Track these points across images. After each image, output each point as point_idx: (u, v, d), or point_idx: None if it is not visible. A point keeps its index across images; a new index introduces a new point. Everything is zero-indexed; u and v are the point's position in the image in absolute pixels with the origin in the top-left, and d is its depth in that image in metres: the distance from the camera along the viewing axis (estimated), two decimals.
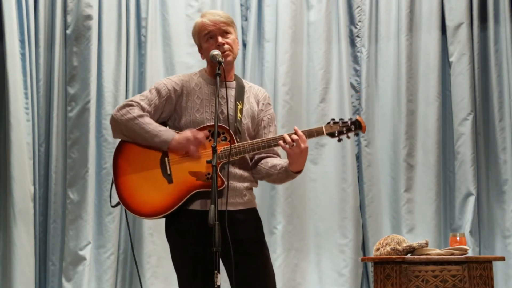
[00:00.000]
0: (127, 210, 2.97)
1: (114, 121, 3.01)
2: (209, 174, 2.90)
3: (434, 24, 5.06)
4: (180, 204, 2.90)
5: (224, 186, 2.89)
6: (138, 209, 2.94)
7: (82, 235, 4.78)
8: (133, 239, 4.84)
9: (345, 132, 2.97)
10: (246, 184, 3.02)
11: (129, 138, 2.99)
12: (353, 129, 2.97)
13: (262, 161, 3.08)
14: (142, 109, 3.00)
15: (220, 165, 2.91)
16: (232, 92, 3.05)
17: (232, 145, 2.91)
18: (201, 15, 3.13)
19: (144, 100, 3.02)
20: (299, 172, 3.01)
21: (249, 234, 2.99)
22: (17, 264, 4.67)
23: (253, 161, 3.10)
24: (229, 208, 2.91)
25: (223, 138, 2.95)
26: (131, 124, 2.96)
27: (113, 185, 3.01)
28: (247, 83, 3.17)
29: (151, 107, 3.01)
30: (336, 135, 2.96)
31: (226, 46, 3.01)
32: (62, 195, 4.88)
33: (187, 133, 2.93)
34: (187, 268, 2.92)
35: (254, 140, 2.97)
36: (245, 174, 3.03)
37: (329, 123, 2.98)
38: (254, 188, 3.11)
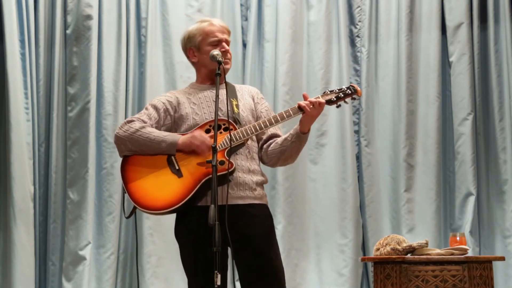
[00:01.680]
0: (140, 210, 2.98)
1: (118, 139, 3.04)
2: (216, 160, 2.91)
3: (434, 24, 5.06)
4: (194, 192, 2.91)
5: (233, 167, 2.93)
6: (152, 206, 2.95)
7: (82, 235, 4.78)
8: (133, 239, 4.84)
9: (342, 97, 3.03)
10: (255, 179, 3.04)
11: (136, 152, 3.02)
12: (349, 94, 3.04)
13: (272, 145, 3.12)
14: (143, 122, 3.04)
15: (226, 152, 2.94)
16: (224, 92, 3.07)
17: (242, 128, 2.97)
18: (206, 21, 3.19)
19: (143, 115, 3.08)
20: (308, 132, 3.07)
21: (260, 231, 2.99)
22: (17, 264, 4.66)
23: (262, 150, 3.14)
24: (238, 201, 2.94)
25: (224, 128, 2.98)
26: (135, 137, 3.00)
27: (125, 196, 3.02)
28: (236, 85, 3.25)
29: (152, 121, 3.07)
30: (334, 100, 3.03)
31: (229, 54, 3.13)
32: (62, 195, 4.88)
33: (193, 132, 2.98)
34: (196, 266, 2.93)
35: (266, 118, 3.03)
36: (252, 167, 3.05)
37: (325, 92, 3.06)
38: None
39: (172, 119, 3.09)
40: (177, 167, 2.96)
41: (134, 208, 3.00)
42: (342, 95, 3.03)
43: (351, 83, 3.10)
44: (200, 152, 2.93)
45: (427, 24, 5.09)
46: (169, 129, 3.09)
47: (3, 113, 4.79)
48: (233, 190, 2.94)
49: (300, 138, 3.05)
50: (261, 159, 3.16)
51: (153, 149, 2.99)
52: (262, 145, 3.14)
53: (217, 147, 2.83)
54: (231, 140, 2.94)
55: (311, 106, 2.97)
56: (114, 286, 4.79)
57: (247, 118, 3.09)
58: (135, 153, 3.02)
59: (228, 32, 3.18)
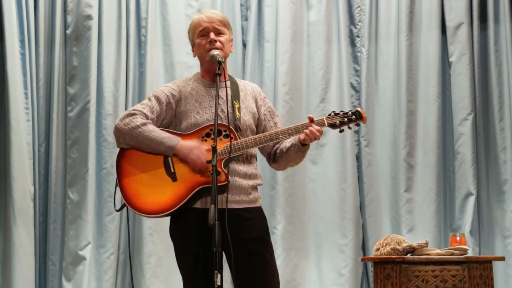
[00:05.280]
0: (130, 211, 2.98)
1: (118, 131, 3.02)
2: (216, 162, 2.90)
3: (434, 24, 5.07)
4: (185, 200, 2.91)
5: (228, 181, 2.90)
6: (144, 208, 2.95)
7: (82, 235, 4.78)
8: (133, 239, 4.84)
9: (346, 122, 3.02)
10: (251, 182, 3.03)
11: (134, 147, 3.01)
12: (354, 119, 3.03)
13: (278, 151, 3.14)
14: (146, 116, 3.02)
15: (224, 161, 2.92)
16: (228, 91, 3.06)
17: (243, 139, 2.95)
18: (198, 13, 3.17)
19: (146, 108, 3.05)
20: (308, 144, 3.09)
21: (254, 233, 2.99)
22: (17, 264, 4.66)
23: (271, 156, 3.16)
24: (234, 205, 2.93)
25: (225, 135, 2.96)
26: (135, 133, 2.98)
27: (117, 189, 3.02)
28: (240, 81, 3.21)
29: (154, 114, 3.04)
30: (338, 125, 3.03)
31: (217, 43, 3.05)
32: (62, 195, 4.88)
33: (193, 143, 2.95)
34: (191, 267, 2.92)
35: (267, 133, 3.00)
36: (250, 171, 3.04)
37: (330, 114, 3.06)
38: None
39: (173, 113, 3.07)
40: (172, 170, 2.96)
41: (125, 204, 3.00)
42: (346, 120, 3.03)
43: (357, 108, 3.06)
44: (192, 167, 2.92)
45: (427, 24, 5.09)
46: (169, 123, 3.08)
47: (3, 113, 4.79)
48: (229, 194, 2.92)
49: (301, 149, 3.07)
50: (269, 164, 3.20)
51: (151, 148, 2.98)
52: (270, 152, 3.16)
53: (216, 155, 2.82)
54: (230, 152, 2.92)
55: (312, 134, 2.99)
56: (114, 286, 4.79)
57: (249, 122, 3.08)
58: (133, 147, 3.01)
59: (220, 22, 3.08)
